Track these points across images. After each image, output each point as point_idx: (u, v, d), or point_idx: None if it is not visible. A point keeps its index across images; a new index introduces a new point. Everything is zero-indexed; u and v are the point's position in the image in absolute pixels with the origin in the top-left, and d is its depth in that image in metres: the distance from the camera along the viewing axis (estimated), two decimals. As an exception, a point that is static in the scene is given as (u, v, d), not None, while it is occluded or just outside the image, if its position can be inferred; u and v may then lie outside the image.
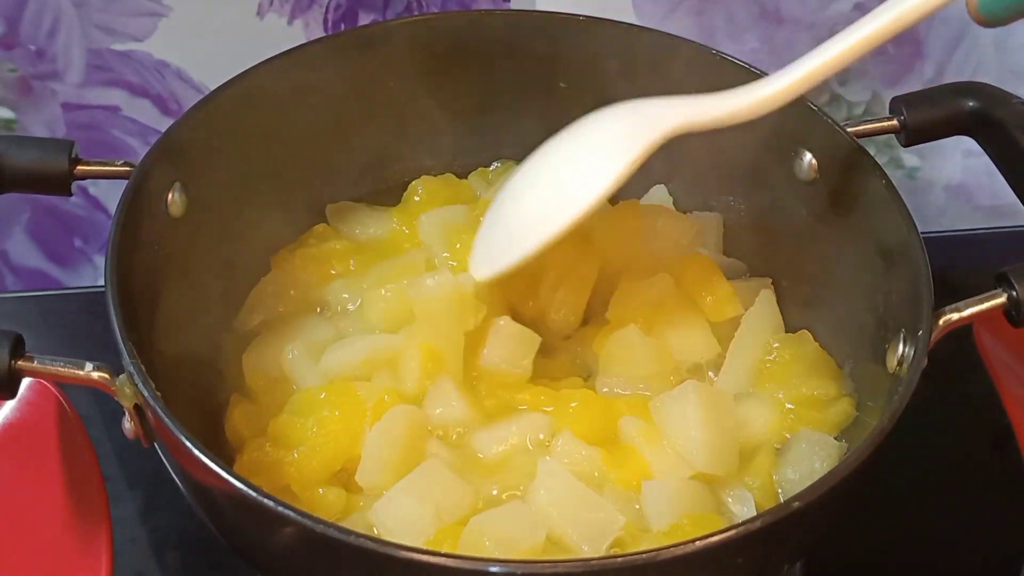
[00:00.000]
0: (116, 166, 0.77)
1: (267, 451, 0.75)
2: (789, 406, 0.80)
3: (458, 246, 0.84)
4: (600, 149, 0.74)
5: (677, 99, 0.74)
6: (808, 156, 0.83)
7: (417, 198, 0.90)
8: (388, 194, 0.93)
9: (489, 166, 0.95)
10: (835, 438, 0.78)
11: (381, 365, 0.80)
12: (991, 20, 0.66)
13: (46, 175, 0.76)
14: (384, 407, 0.76)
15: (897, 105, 0.83)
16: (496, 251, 0.76)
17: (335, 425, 0.75)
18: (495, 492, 0.74)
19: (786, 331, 0.85)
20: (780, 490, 0.77)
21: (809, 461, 0.76)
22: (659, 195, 0.93)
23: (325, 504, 0.73)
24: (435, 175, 0.92)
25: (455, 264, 0.83)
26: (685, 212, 0.92)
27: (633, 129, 0.73)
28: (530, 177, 0.77)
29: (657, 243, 0.86)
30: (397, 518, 0.71)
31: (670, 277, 0.83)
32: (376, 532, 0.71)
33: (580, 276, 0.83)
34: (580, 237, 0.81)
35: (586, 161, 0.74)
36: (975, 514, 0.88)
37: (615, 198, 0.81)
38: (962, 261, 0.92)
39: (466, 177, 0.94)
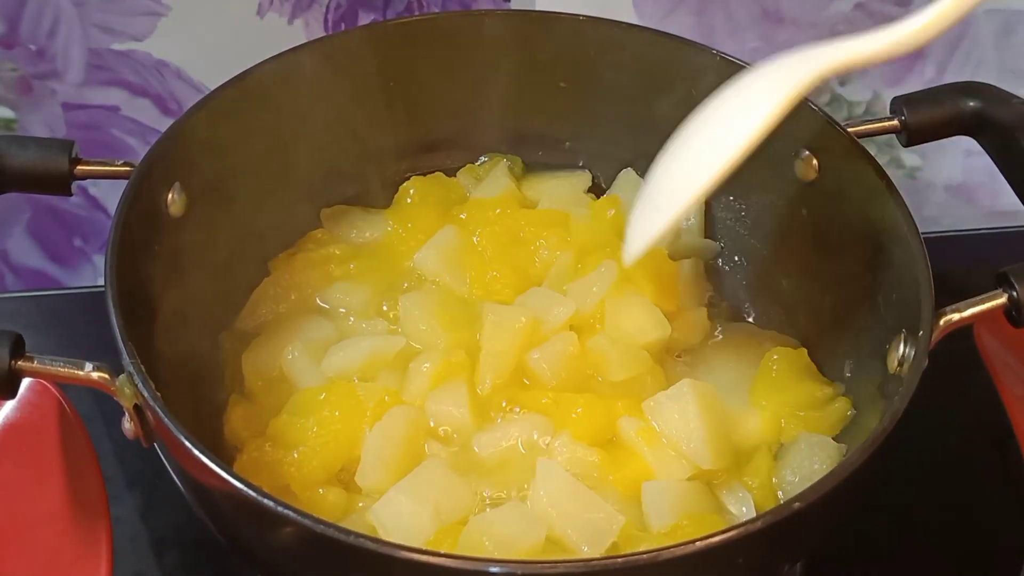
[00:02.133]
0: (116, 166, 0.77)
1: (267, 451, 0.75)
2: (787, 408, 0.80)
3: (471, 275, 0.85)
4: (745, 100, 0.71)
5: (822, 46, 0.70)
6: (808, 156, 0.83)
7: (409, 199, 0.90)
8: (387, 193, 0.93)
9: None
10: (834, 439, 0.78)
11: (382, 366, 0.80)
12: None
13: (46, 175, 0.76)
14: (384, 408, 0.76)
15: (898, 105, 0.83)
16: (647, 223, 0.74)
17: (335, 425, 0.75)
18: (495, 493, 0.74)
19: (787, 331, 0.85)
20: (780, 492, 0.77)
21: (809, 463, 0.76)
22: (629, 178, 0.93)
23: (325, 504, 0.73)
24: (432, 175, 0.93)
25: (479, 294, 0.84)
26: None
27: (780, 74, 0.70)
28: (677, 146, 0.75)
29: None
30: (397, 518, 0.71)
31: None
32: (376, 532, 0.71)
33: None
34: None
35: (732, 114, 0.71)
36: (975, 514, 0.88)
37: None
38: (962, 261, 0.92)
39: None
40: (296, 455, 0.74)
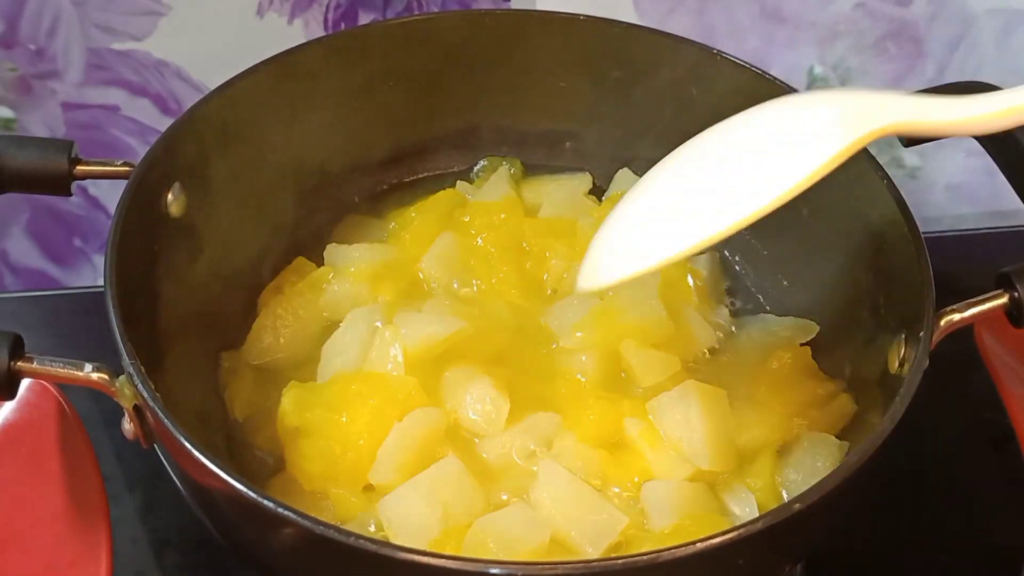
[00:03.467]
0: (116, 166, 0.77)
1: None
2: (790, 407, 0.80)
3: (476, 283, 0.85)
4: (795, 136, 0.61)
5: (893, 93, 0.64)
6: (809, 156, 0.83)
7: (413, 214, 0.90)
8: (388, 193, 0.93)
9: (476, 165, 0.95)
10: (836, 436, 0.78)
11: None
12: None
13: (46, 175, 0.76)
14: (412, 402, 0.75)
15: (898, 104, 0.82)
16: (624, 254, 0.64)
17: (366, 418, 0.74)
18: (503, 495, 0.74)
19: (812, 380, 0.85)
20: (784, 491, 0.77)
21: (811, 461, 0.76)
22: (627, 178, 0.93)
23: (350, 503, 0.73)
24: (434, 175, 0.93)
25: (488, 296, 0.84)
26: None
27: (834, 120, 0.61)
28: (687, 169, 0.64)
29: None
30: (404, 516, 0.71)
31: None
32: (383, 528, 0.71)
33: None
34: None
35: (775, 149, 0.61)
36: (975, 514, 0.88)
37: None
38: (963, 261, 0.92)
39: (464, 176, 0.94)
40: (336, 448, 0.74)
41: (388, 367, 0.77)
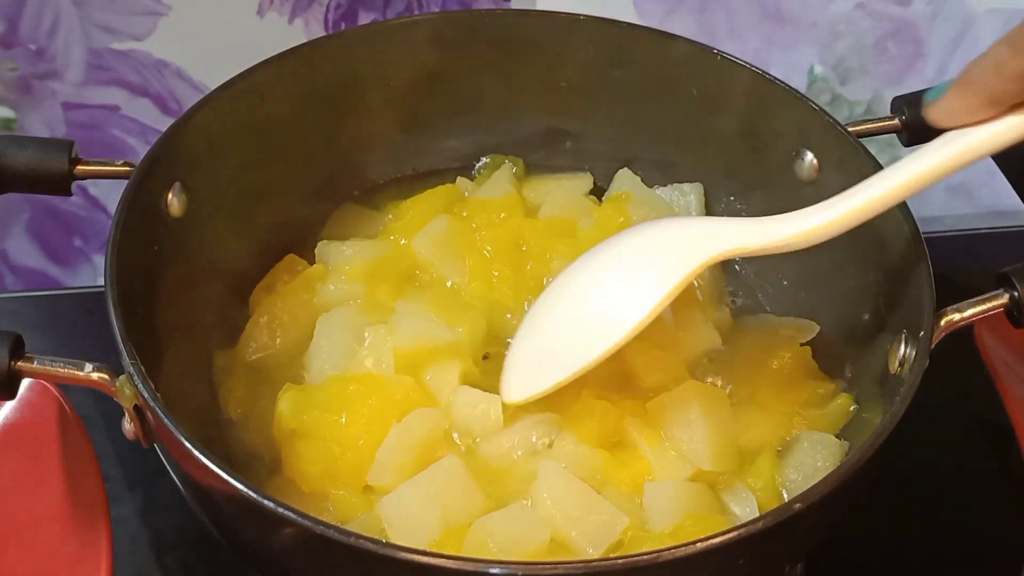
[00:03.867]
0: (116, 166, 0.77)
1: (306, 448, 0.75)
2: (790, 407, 0.80)
3: (468, 263, 0.85)
4: (640, 273, 0.72)
5: (724, 221, 0.73)
6: (809, 156, 0.83)
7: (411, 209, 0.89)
8: (389, 193, 0.93)
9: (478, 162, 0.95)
10: (836, 436, 0.78)
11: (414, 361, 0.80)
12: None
13: (46, 175, 0.76)
14: (411, 403, 0.76)
15: (899, 104, 0.83)
16: (529, 375, 0.75)
17: (364, 419, 0.75)
18: (503, 496, 0.74)
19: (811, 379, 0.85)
20: (784, 491, 0.77)
21: (811, 460, 0.76)
22: (625, 177, 0.93)
23: (348, 503, 0.73)
24: (434, 171, 0.93)
25: (479, 289, 0.84)
26: (653, 187, 0.92)
27: (676, 251, 0.71)
28: (565, 298, 0.75)
29: None
30: (403, 516, 0.71)
31: None
32: (383, 529, 0.71)
33: None
34: None
35: (624, 286, 0.72)
36: (975, 514, 0.88)
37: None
38: (963, 261, 0.92)
39: (465, 174, 0.94)
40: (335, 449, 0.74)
41: (382, 368, 0.77)
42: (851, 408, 0.79)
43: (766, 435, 0.79)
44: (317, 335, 0.81)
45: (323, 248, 0.87)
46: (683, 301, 0.84)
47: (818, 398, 0.80)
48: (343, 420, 0.74)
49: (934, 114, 0.65)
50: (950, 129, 0.65)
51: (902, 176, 0.68)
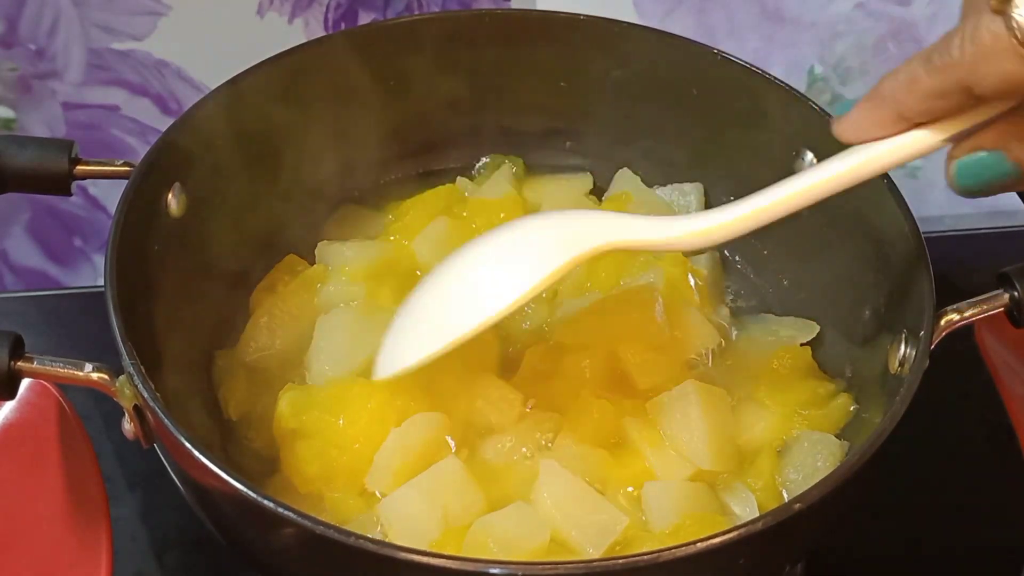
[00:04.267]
0: (116, 166, 0.77)
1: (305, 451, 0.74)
2: (790, 407, 0.80)
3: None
4: (522, 254, 0.70)
5: (613, 215, 0.72)
6: (809, 156, 0.83)
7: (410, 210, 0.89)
8: (388, 193, 0.93)
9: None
10: (836, 436, 0.78)
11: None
12: (967, 193, 0.62)
13: (46, 175, 0.76)
14: (412, 409, 0.75)
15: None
16: (399, 352, 0.72)
17: (362, 422, 0.75)
18: (503, 496, 0.74)
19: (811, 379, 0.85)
20: (784, 491, 0.77)
21: (811, 460, 0.76)
22: (625, 177, 0.93)
23: (347, 506, 0.73)
24: (435, 171, 0.93)
25: None
26: (653, 187, 0.92)
27: (561, 237, 0.69)
28: (445, 276, 0.72)
29: None
30: (403, 517, 0.71)
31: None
32: (382, 530, 0.71)
33: None
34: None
35: (505, 266, 0.70)
36: (975, 514, 0.88)
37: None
38: (963, 261, 0.92)
39: (465, 174, 0.94)
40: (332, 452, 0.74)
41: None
42: (851, 408, 0.79)
43: (766, 435, 0.79)
44: (317, 336, 0.81)
45: (323, 249, 0.87)
46: (678, 300, 0.84)
47: (818, 398, 0.80)
48: (341, 422, 0.74)
49: (841, 128, 0.64)
50: (857, 143, 0.65)
51: (800, 185, 0.67)
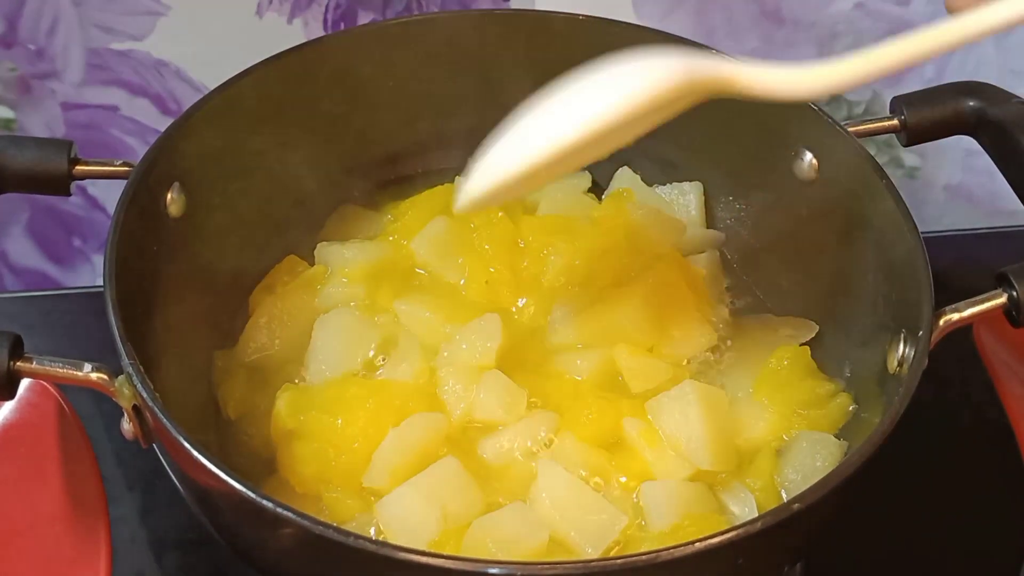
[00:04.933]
0: (115, 166, 0.77)
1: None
2: (789, 407, 0.80)
3: (468, 268, 0.85)
4: (606, 80, 0.63)
5: (722, 57, 0.66)
6: (809, 156, 0.83)
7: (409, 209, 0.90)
8: (388, 193, 0.93)
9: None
10: (836, 436, 0.78)
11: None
12: None
13: (45, 175, 0.76)
14: (410, 408, 0.75)
15: (898, 104, 0.83)
16: (478, 176, 0.67)
17: (364, 419, 0.75)
18: (501, 496, 0.74)
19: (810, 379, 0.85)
20: (783, 491, 0.77)
21: (811, 460, 0.76)
22: (625, 176, 0.93)
23: (343, 505, 0.73)
24: (435, 171, 0.93)
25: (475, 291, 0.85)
26: (653, 186, 0.92)
27: (661, 68, 0.62)
28: (524, 112, 0.67)
29: (641, 243, 0.85)
30: (402, 517, 0.71)
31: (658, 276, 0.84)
32: (380, 530, 0.71)
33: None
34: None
35: (589, 92, 0.63)
36: (975, 514, 0.88)
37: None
38: (962, 260, 0.92)
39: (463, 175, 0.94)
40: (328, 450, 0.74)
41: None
42: (850, 408, 0.79)
43: (765, 435, 0.79)
44: (315, 336, 0.81)
45: (322, 250, 0.87)
46: (676, 298, 0.84)
47: (817, 398, 0.80)
48: (339, 422, 0.74)
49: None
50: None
51: (899, 48, 0.62)
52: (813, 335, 0.84)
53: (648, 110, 0.62)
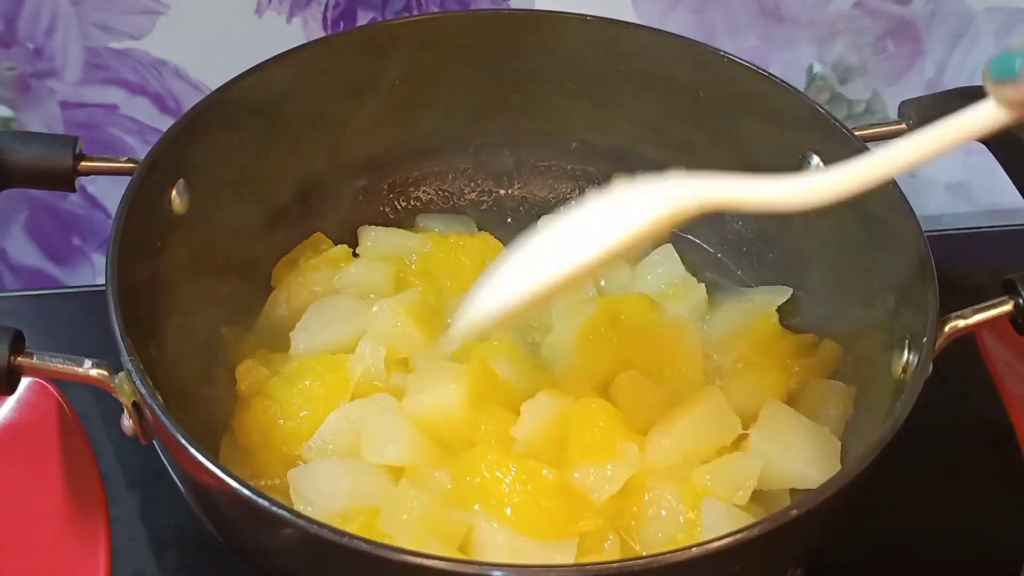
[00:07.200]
0: (120, 162, 0.77)
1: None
2: (779, 359, 0.82)
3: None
4: (603, 217, 0.65)
5: (703, 178, 0.67)
6: (815, 160, 0.83)
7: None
8: (388, 193, 0.93)
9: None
10: (837, 436, 0.78)
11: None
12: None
13: (51, 171, 0.76)
14: (370, 389, 0.77)
15: (907, 109, 0.83)
16: (477, 304, 0.68)
17: (317, 392, 0.77)
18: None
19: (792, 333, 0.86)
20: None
21: (824, 410, 0.79)
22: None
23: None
24: (435, 171, 0.94)
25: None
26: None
27: (657, 195, 0.65)
28: (528, 241, 0.68)
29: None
30: (312, 487, 0.72)
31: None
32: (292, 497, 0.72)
33: None
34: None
35: (593, 220, 0.66)
36: (975, 514, 0.88)
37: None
38: (963, 260, 0.92)
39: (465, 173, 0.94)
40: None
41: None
42: (838, 352, 0.81)
43: (767, 390, 0.80)
44: (306, 314, 0.83)
45: (364, 232, 0.90)
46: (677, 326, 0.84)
47: (804, 348, 0.82)
48: (295, 389, 0.76)
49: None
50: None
51: (906, 148, 0.62)
52: (787, 298, 0.86)
53: (647, 236, 0.65)
